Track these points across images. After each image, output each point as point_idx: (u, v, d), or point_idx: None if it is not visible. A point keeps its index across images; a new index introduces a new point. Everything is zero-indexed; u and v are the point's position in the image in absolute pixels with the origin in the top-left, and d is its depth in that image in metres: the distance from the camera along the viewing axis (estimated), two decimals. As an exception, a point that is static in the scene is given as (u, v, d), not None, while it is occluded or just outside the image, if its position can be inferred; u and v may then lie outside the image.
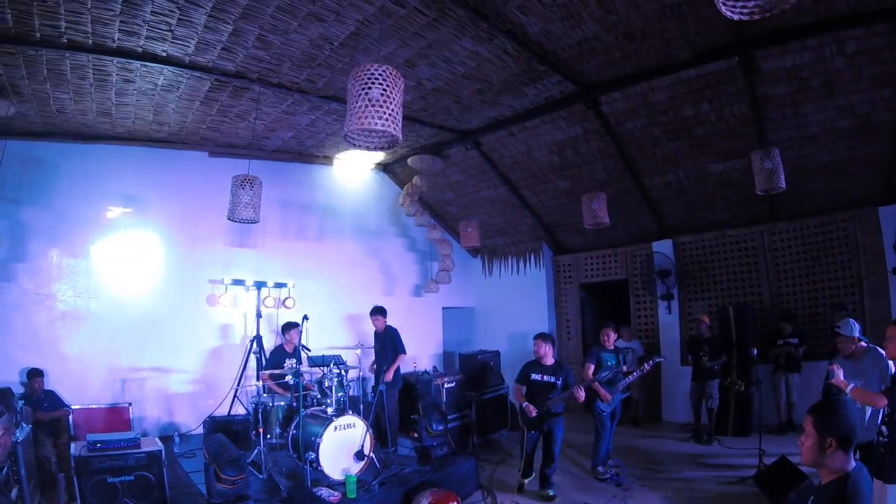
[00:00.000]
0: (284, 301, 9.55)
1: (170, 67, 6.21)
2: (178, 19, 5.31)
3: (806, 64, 6.68)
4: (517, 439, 7.37)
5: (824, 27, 6.02)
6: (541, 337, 6.85)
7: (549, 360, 6.75)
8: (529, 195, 11.03)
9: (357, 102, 3.68)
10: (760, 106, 7.49)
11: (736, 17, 3.04)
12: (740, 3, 2.93)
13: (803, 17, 5.90)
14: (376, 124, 3.59)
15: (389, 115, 3.67)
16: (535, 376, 6.73)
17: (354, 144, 4.12)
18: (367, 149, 4.23)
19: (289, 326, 7.98)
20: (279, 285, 9.50)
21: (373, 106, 3.59)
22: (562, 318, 12.46)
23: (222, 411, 8.12)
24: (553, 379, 6.59)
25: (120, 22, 5.24)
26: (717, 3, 3.01)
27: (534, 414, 6.49)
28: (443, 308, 12.82)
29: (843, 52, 6.40)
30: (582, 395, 6.36)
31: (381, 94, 3.63)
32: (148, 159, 8.56)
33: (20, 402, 5.62)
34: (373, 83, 3.66)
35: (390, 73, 3.74)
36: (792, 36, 6.23)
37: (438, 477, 6.31)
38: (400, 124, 3.84)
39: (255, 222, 6.74)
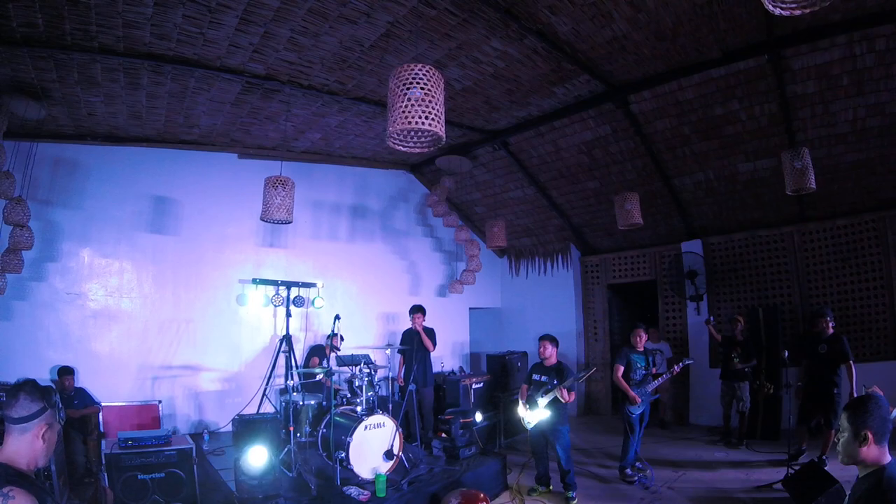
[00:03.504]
0: (314, 301, 9.61)
1: (201, 70, 6.26)
2: (210, 22, 5.36)
3: (836, 61, 6.61)
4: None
5: (854, 24, 5.95)
6: (546, 338, 6.89)
7: (552, 362, 6.79)
8: (557, 195, 11.00)
9: (401, 102, 3.67)
10: (790, 104, 7.41)
11: (777, 12, 3.01)
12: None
13: (833, 15, 5.83)
14: (422, 124, 3.58)
15: (434, 114, 3.66)
16: (535, 377, 6.85)
17: (396, 146, 4.12)
18: (409, 149, 4.22)
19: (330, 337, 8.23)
20: (308, 285, 9.55)
21: (417, 106, 3.58)
22: (589, 318, 12.37)
23: (251, 409, 8.19)
24: (546, 379, 6.66)
25: (151, 25, 5.29)
26: None
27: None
28: (469, 308, 12.83)
29: (873, 49, 6.32)
30: (566, 395, 6.37)
31: (426, 94, 3.62)
32: (178, 161, 8.67)
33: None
34: (416, 83, 3.65)
35: (433, 73, 3.74)
36: (821, 34, 6.16)
37: (467, 477, 6.30)
38: (443, 124, 3.83)
39: (289, 223, 6.79)
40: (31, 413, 2.22)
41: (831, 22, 5.96)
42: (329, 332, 7.15)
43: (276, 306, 9.15)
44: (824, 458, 6.91)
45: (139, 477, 5.16)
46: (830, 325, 7.36)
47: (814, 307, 9.04)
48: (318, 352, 8.68)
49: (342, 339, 8.49)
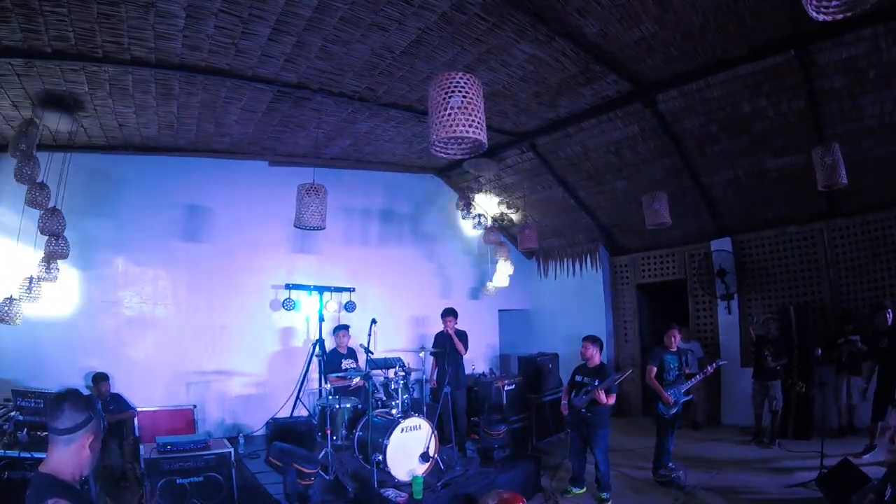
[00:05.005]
0: (346, 304, 9.69)
1: (233, 80, 6.34)
2: (242, 33, 5.42)
3: (862, 55, 6.53)
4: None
5: (879, 17, 5.89)
6: (588, 339, 6.85)
7: (595, 363, 6.75)
8: (586, 196, 10.97)
9: (442, 111, 3.71)
10: (817, 100, 7.34)
11: (821, 18, 3.03)
12: (824, 3, 2.93)
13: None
14: (465, 132, 3.62)
15: (476, 122, 3.70)
16: (578, 378, 6.80)
17: (438, 153, 4.16)
18: (450, 157, 4.26)
19: (338, 329, 8.28)
20: (340, 289, 9.62)
21: (459, 114, 3.62)
22: (619, 319, 12.31)
23: (285, 413, 8.27)
24: (588, 380, 6.61)
25: (184, 37, 5.36)
26: (805, 4, 2.99)
27: (565, 412, 6.82)
28: (499, 310, 12.83)
29: (898, 42, 6.25)
30: (602, 397, 6.30)
31: (467, 103, 3.65)
32: (209, 169, 8.80)
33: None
34: (458, 91, 3.68)
35: (472, 81, 3.77)
36: (847, 27, 6.10)
37: (502, 479, 6.34)
38: (485, 130, 3.87)
39: (322, 229, 6.83)
40: (76, 424, 2.23)
41: (856, 15, 5.90)
42: (365, 335, 7.20)
43: (308, 311, 9.22)
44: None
45: (178, 481, 5.20)
46: (889, 317, 7.27)
47: (842, 304, 8.99)
48: (334, 357, 8.64)
49: (347, 331, 8.41)
